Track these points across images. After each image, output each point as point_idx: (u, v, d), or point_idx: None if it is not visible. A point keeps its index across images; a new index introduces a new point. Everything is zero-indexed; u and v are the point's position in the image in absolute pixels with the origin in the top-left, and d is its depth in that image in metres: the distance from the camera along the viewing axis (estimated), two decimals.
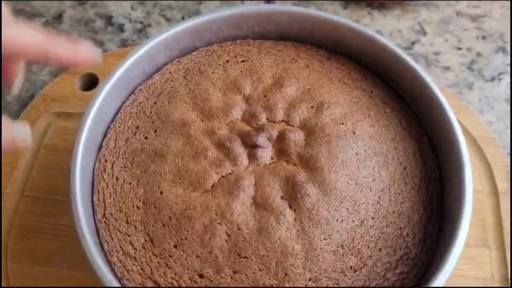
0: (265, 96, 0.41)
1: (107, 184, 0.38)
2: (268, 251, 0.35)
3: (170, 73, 0.44)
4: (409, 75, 0.42)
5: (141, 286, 0.34)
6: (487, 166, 0.50)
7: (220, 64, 0.44)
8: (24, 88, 0.55)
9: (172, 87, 0.43)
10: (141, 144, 0.39)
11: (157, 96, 0.42)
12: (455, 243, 0.34)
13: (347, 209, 0.36)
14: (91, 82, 0.54)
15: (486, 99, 0.56)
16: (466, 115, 0.52)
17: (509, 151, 0.52)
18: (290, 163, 0.38)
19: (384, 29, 0.61)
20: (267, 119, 0.40)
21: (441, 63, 0.58)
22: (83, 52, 0.33)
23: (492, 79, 0.57)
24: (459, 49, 0.60)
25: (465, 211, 0.35)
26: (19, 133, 0.30)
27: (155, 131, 0.40)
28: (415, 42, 0.60)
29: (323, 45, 0.46)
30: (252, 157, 0.38)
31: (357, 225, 0.36)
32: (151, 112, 0.41)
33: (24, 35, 0.31)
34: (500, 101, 0.56)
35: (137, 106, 0.42)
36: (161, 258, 0.35)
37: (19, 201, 0.47)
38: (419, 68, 0.42)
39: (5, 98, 0.54)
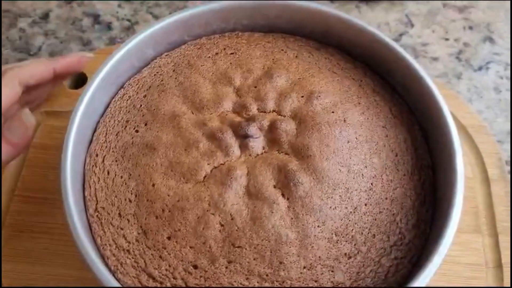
0: (255, 87, 0.41)
1: (99, 178, 0.38)
2: (262, 240, 0.34)
3: (160, 66, 0.44)
4: (399, 65, 0.42)
5: (136, 278, 0.34)
6: (478, 154, 0.50)
7: (209, 57, 0.44)
8: None
9: (162, 81, 0.42)
10: (132, 138, 0.39)
11: (147, 89, 0.42)
12: (448, 224, 0.34)
13: (340, 196, 0.36)
14: (80, 81, 0.53)
15: (475, 88, 0.56)
16: (456, 104, 0.52)
17: (499, 138, 0.52)
18: (282, 152, 0.38)
19: (372, 22, 0.61)
20: (258, 109, 0.40)
21: (429, 54, 0.59)
22: (75, 56, 0.45)
23: (480, 69, 0.58)
24: (447, 39, 0.60)
25: (457, 194, 0.35)
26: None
27: (145, 124, 0.40)
28: (403, 34, 0.60)
29: (313, 37, 0.46)
30: (243, 147, 0.37)
31: (351, 212, 0.36)
32: (141, 105, 0.41)
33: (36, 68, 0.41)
34: (489, 90, 0.56)
35: (127, 100, 0.42)
36: (155, 250, 0.35)
37: (9, 201, 0.46)
38: (410, 57, 0.42)
39: None
